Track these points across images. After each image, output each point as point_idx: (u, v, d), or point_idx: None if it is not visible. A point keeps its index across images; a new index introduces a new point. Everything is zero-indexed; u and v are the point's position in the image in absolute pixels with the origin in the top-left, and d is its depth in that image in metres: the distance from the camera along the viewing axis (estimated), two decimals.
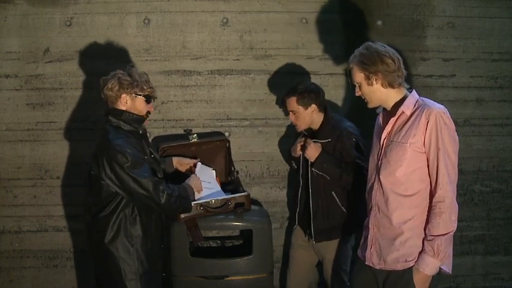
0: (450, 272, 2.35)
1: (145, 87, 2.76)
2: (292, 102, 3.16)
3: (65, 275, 3.72)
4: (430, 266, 2.27)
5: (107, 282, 2.74)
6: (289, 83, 3.65)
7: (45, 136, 3.65)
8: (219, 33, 3.68)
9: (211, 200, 3.07)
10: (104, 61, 3.62)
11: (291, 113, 3.21)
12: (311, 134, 3.24)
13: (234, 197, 3.15)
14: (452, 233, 2.27)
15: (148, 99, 2.79)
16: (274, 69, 3.70)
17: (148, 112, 2.81)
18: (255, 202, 3.63)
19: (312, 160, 3.07)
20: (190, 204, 2.87)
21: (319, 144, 3.09)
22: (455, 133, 2.32)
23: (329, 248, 3.13)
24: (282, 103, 3.33)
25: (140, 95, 2.75)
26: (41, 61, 3.61)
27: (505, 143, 3.85)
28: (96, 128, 3.61)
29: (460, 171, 3.77)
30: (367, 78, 2.38)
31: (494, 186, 3.86)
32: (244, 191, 3.25)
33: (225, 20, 3.67)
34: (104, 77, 2.78)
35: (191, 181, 2.98)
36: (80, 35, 3.61)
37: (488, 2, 3.78)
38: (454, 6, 3.76)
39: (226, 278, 3.13)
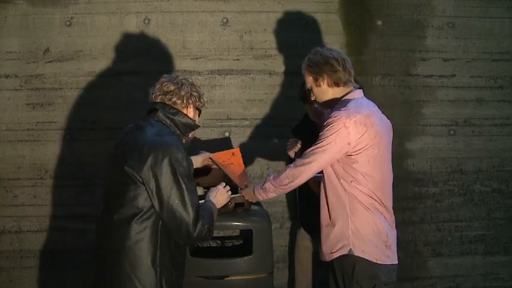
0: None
1: (204, 100, 2.47)
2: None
3: (65, 275, 3.72)
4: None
5: None
6: (289, 83, 3.66)
7: (45, 136, 3.64)
8: (219, 33, 3.68)
9: None
10: (104, 61, 3.62)
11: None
12: (310, 126, 3.23)
13: (234, 197, 3.14)
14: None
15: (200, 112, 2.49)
16: (274, 69, 3.70)
17: None
18: (255, 202, 3.63)
19: None
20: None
21: None
22: (335, 135, 2.34)
23: None
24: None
25: (199, 109, 2.46)
26: (41, 61, 3.61)
27: (505, 143, 3.85)
28: (96, 128, 3.62)
29: (460, 171, 3.84)
30: (315, 80, 2.49)
31: (494, 186, 3.86)
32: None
33: (225, 20, 3.68)
34: (165, 80, 2.39)
35: (217, 196, 2.52)
36: (80, 35, 3.61)
37: (488, 2, 3.78)
38: (454, 6, 3.76)
39: (226, 278, 3.13)
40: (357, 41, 3.69)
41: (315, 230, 3.22)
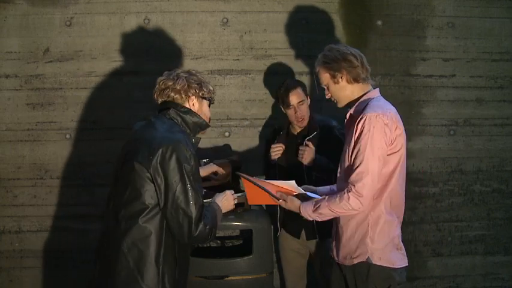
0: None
1: (211, 89, 2.44)
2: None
3: (66, 275, 3.72)
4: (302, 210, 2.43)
5: None
6: None
7: (45, 136, 3.64)
8: (219, 33, 3.68)
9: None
10: (104, 61, 3.62)
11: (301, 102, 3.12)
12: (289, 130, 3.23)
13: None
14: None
15: (210, 102, 2.47)
16: (274, 69, 3.70)
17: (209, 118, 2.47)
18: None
19: (308, 164, 3.04)
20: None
21: (313, 148, 3.02)
22: (380, 136, 2.26)
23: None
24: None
25: (206, 98, 2.42)
26: (41, 61, 3.61)
27: (505, 143, 3.85)
28: (96, 128, 3.62)
29: (460, 171, 3.84)
30: (333, 77, 2.43)
31: (494, 186, 3.86)
32: (244, 191, 3.24)
33: (225, 20, 3.68)
34: (162, 77, 2.41)
35: (223, 200, 2.49)
36: (80, 35, 3.61)
37: (488, 2, 3.78)
38: (454, 6, 3.76)
39: (226, 278, 3.13)
40: (357, 41, 3.68)
41: (298, 232, 3.20)
